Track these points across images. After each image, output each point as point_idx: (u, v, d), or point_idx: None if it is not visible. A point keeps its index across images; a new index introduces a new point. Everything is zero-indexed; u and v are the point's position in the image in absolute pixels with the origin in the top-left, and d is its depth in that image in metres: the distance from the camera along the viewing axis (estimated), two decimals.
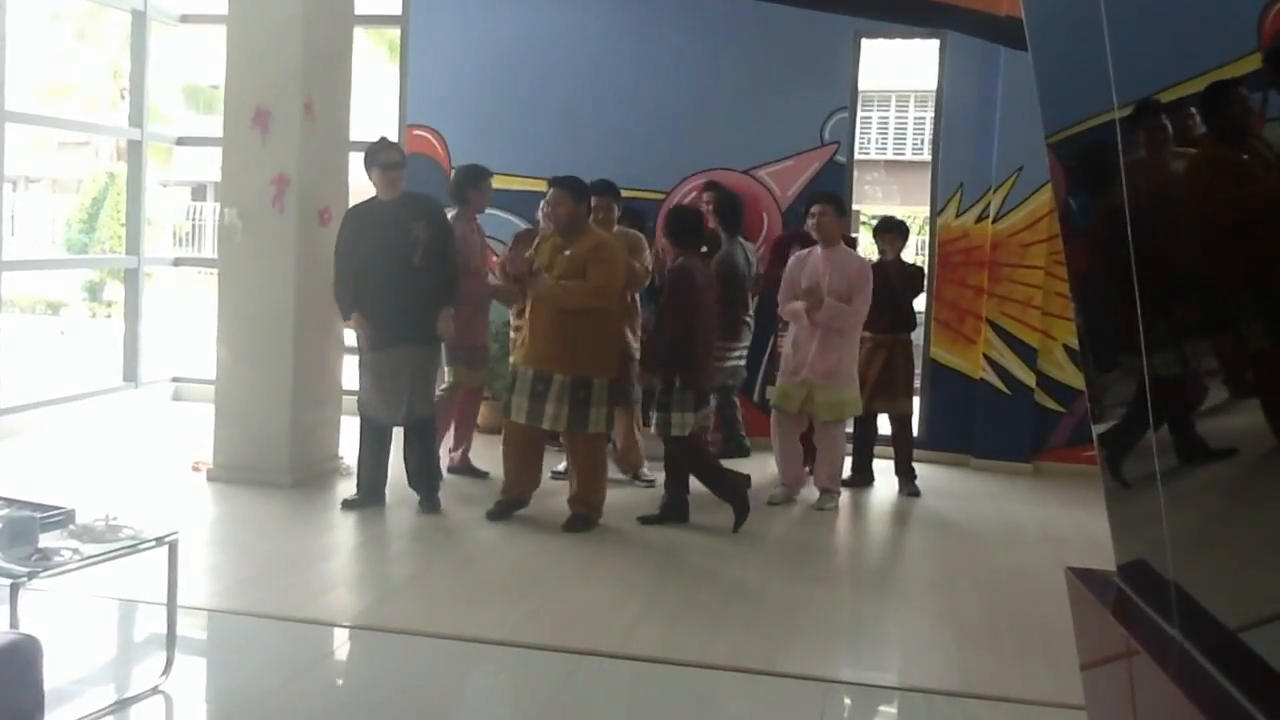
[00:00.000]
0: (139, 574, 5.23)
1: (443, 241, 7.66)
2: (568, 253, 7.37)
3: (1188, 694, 2.24)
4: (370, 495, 7.73)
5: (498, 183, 9.09)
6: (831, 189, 9.77)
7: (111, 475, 8.29)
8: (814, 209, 8.38)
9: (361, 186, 8.35)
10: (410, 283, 7.48)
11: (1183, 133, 2.30)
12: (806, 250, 8.41)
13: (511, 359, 7.64)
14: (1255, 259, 1.98)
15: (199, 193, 27.85)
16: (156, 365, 11.65)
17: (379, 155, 7.66)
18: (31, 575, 4.08)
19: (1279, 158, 1.90)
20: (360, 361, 7.72)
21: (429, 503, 7.69)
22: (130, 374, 11.17)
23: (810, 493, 8.52)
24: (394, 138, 10.77)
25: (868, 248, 10.60)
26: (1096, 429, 3.12)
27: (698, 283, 7.62)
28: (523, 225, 9.33)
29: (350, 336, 8.49)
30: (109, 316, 22.28)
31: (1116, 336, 2.77)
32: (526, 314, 7.61)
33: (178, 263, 13.54)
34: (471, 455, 8.79)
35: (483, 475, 8.53)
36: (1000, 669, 5.43)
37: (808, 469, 8.69)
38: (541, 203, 7.95)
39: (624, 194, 8.66)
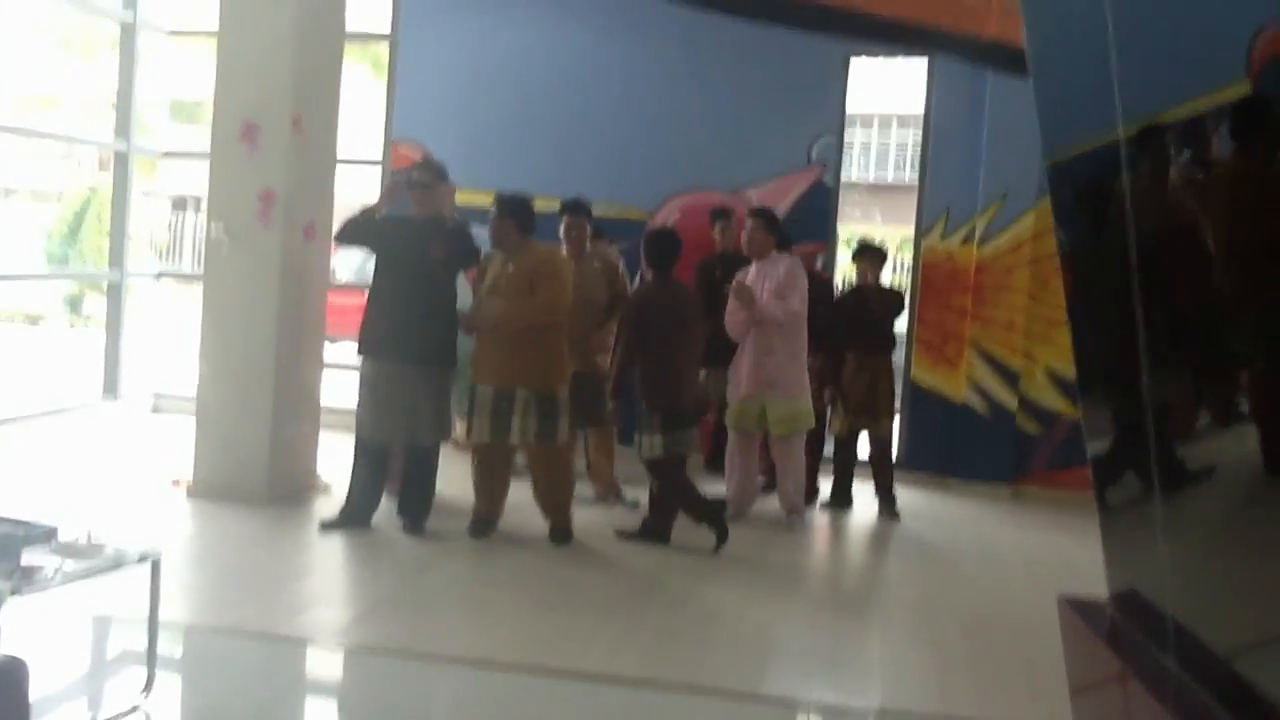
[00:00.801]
0: (118, 590, 5.18)
1: (460, 260, 7.66)
2: (511, 268, 7.41)
3: None
4: (352, 520, 7.60)
5: (481, 199, 9.09)
6: (817, 211, 9.83)
7: (91, 490, 8.21)
8: (747, 224, 8.50)
9: (348, 202, 8.35)
10: (423, 302, 7.43)
11: (1192, 153, 2.29)
12: (744, 270, 8.41)
13: (471, 376, 7.60)
14: (1264, 283, 1.98)
15: (179, 204, 27.77)
16: (136, 379, 11.60)
17: (410, 173, 7.77)
18: (14, 592, 4.04)
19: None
20: (359, 377, 7.63)
21: (413, 527, 7.60)
22: (110, 388, 11.11)
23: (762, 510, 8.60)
24: (379, 154, 10.79)
25: (847, 268, 10.57)
26: (1092, 457, 3.12)
27: (661, 305, 7.62)
28: None
29: (330, 352, 8.48)
30: (87, 328, 22.20)
31: (1115, 361, 2.76)
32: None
33: (160, 276, 13.50)
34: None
35: None
36: (980, 694, 5.43)
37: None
38: None
39: (611, 214, 8.65)
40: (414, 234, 7.52)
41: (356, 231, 7.68)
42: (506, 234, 7.47)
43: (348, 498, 7.68)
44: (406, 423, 7.47)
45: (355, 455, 7.70)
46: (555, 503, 7.64)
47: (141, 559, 4.61)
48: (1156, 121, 2.40)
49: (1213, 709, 2.24)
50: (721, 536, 7.54)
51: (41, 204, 28.45)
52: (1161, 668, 2.50)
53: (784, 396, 8.15)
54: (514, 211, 7.50)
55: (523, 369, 7.34)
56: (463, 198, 8.89)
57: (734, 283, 8.17)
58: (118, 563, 4.52)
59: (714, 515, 7.61)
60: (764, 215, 8.53)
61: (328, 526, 7.57)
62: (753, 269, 8.29)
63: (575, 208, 8.38)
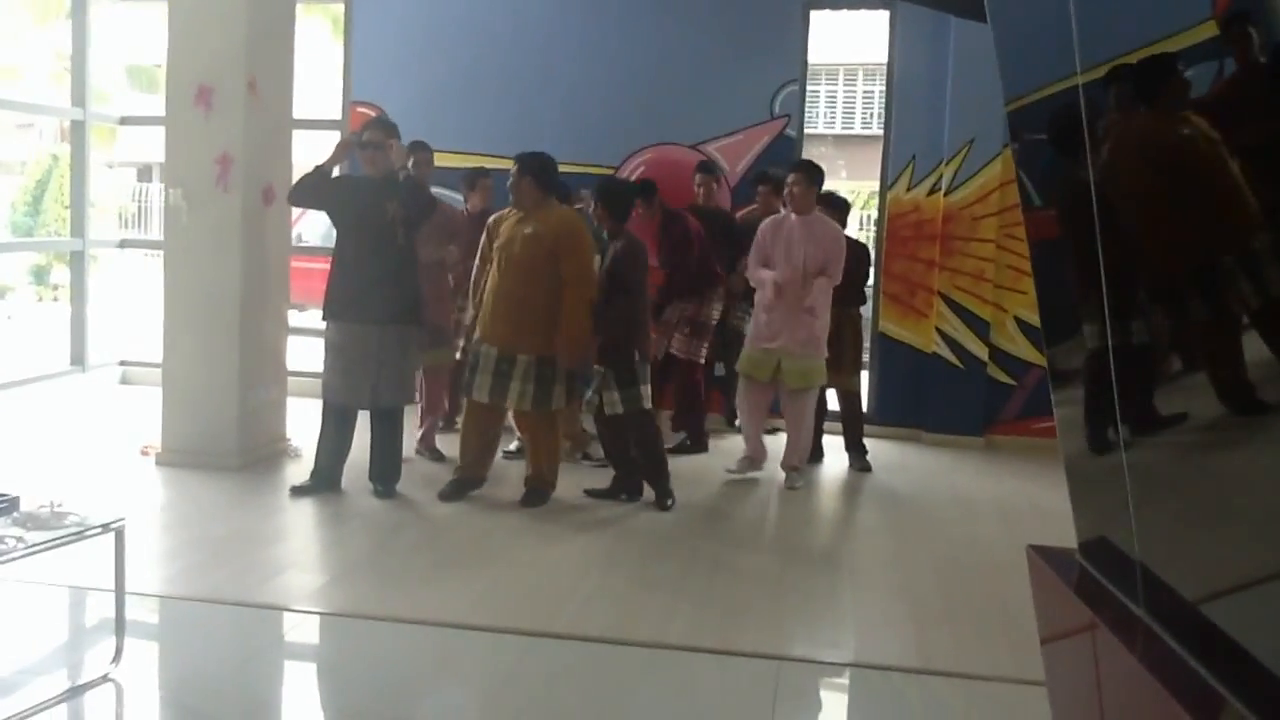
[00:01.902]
0: (90, 560, 5.15)
1: (417, 215, 7.57)
2: (529, 230, 7.33)
3: (1154, 673, 2.22)
4: (322, 483, 7.62)
5: (444, 160, 9.05)
6: (781, 163, 9.77)
7: (60, 460, 8.19)
8: (789, 178, 8.35)
9: (304, 164, 8.29)
10: (384, 261, 7.38)
11: (1148, 97, 2.27)
12: (781, 215, 8.36)
13: (476, 335, 7.55)
14: (1224, 225, 1.96)
15: (145, 174, 27.60)
16: (104, 349, 11.53)
17: (360, 133, 7.61)
18: None
19: (1238, 125, 1.88)
20: (325, 340, 7.60)
21: (385, 491, 7.60)
22: (78, 358, 11.04)
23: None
24: (337, 114, 10.69)
25: None
26: (1057, 405, 3.10)
27: (634, 260, 7.59)
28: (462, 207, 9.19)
29: (296, 318, 8.42)
30: (55, 300, 22.07)
31: (1079, 309, 2.74)
32: (485, 290, 7.56)
33: (123, 245, 13.38)
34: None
35: (440, 458, 8.47)
36: (956, 645, 5.43)
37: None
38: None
39: (576, 170, 8.62)
40: (369, 194, 7.45)
41: (309, 192, 7.63)
42: (525, 192, 7.40)
43: (316, 461, 7.67)
44: (372, 385, 7.45)
45: (323, 418, 7.68)
46: (538, 470, 7.63)
47: (105, 529, 4.58)
48: (1117, 64, 2.37)
49: (1181, 656, 2.22)
50: (632, 495, 7.74)
51: (6, 176, 28.26)
52: (1131, 616, 2.48)
53: (809, 352, 8.13)
54: (532, 169, 7.42)
55: (526, 335, 7.32)
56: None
57: (776, 246, 8.13)
58: (81, 533, 4.48)
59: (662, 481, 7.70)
60: (809, 168, 8.39)
61: (298, 491, 7.57)
62: (794, 222, 8.19)
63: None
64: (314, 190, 7.57)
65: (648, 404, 7.55)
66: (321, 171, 7.60)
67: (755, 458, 8.44)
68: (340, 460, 7.70)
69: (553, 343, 7.34)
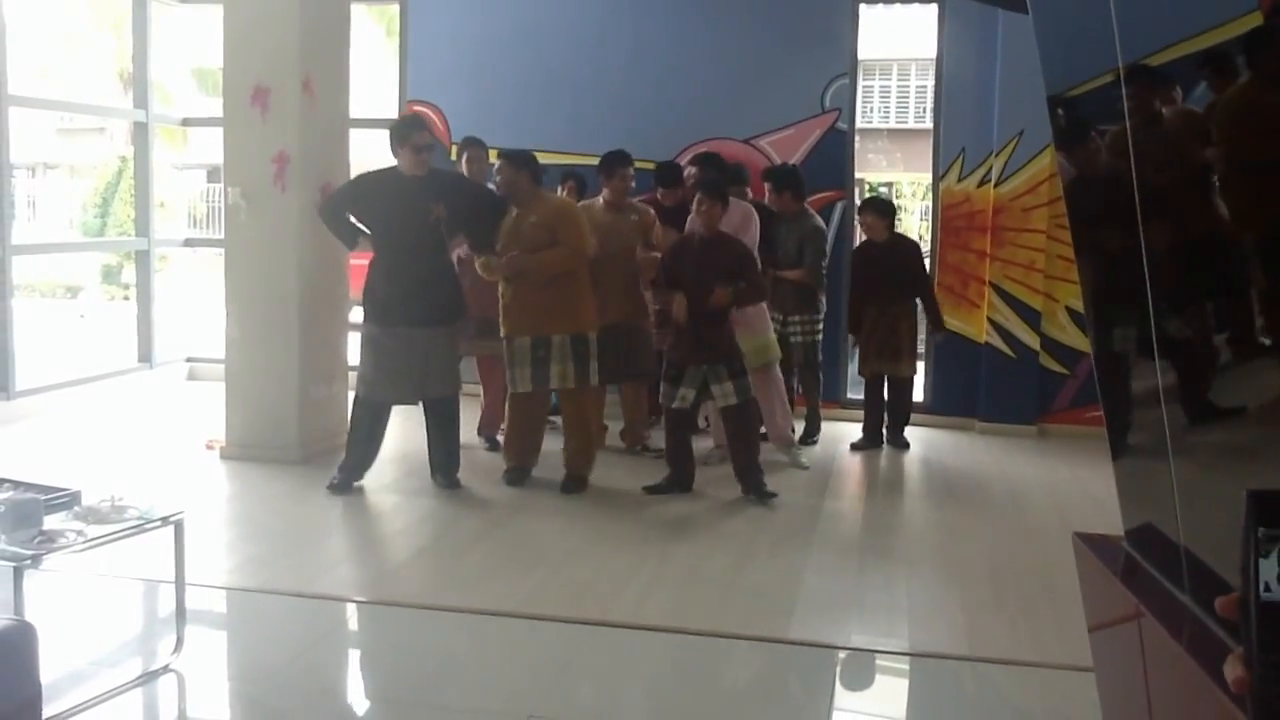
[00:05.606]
0: (155, 553, 5.23)
1: (467, 208, 7.64)
2: (533, 219, 7.48)
3: (1200, 661, 2.23)
4: (353, 475, 7.64)
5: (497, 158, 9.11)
6: (834, 157, 9.80)
7: (126, 455, 8.37)
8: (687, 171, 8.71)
9: (362, 163, 8.37)
10: (426, 264, 7.44)
11: (1188, 91, 2.27)
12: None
13: (502, 331, 7.65)
14: (1265, 215, 1.96)
15: (214, 174, 27.94)
16: (171, 346, 11.75)
17: (410, 135, 7.42)
18: (35, 559, 4.09)
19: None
20: (363, 337, 7.64)
21: (446, 482, 7.68)
22: (145, 355, 11.23)
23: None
24: (394, 113, 10.77)
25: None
26: (1102, 392, 3.10)
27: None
28: None
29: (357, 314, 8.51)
30: (126, 299, 22.40)
31: (1122, 298, 2.74)
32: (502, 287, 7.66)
33: (188, 243, 13.54)
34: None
35: (497, 447, 8.54)
36: (1009, 632, 5.43)
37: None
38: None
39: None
40: (406, 193, 7.44)
41: (337, 212, 7.76)
42: (521, 186, 7.54)
43: (347, 455, 7.68)
44: (418, 381, 7.51)
45: (356, 414, 7.73)
46: (576, 449, 7.76)
47: (164, 522, 4.66)
48: (1160, 56, 2.37)
49: (1227, 643, 2.23)
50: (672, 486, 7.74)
51: (81, 179, 28.71)
52: (1176, 603, 2.48)
53: (749, 334, 8.08)
54: (526, 164, 7.59)
55: (556, 315, 7.48)
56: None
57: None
58: (140, 526, 4.57)
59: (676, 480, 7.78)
60: (707, 160, 8.66)
61: (335, 488, 7.58)
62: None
63: (619, 159, 8.37)
64: (340, 211, 7.75)
65: (753, 393, 7.64)
66: (337, 200, 7.81)
67: (723, 445, 8.28)
68: (372, 455, 7.72)
69: (581, 320, 7.54)
